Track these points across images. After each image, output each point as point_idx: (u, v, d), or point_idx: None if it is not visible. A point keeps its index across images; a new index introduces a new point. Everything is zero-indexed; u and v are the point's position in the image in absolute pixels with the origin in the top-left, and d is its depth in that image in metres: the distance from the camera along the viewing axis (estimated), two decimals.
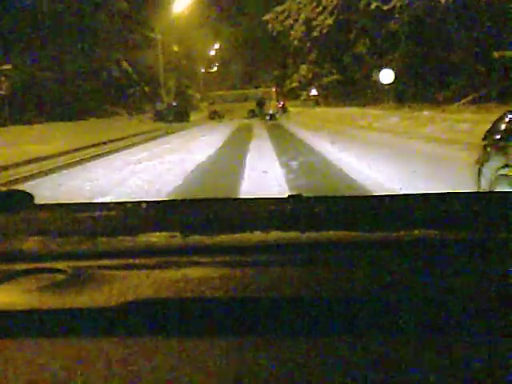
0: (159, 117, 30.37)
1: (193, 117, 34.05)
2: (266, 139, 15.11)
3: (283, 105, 36.67)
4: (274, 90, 35.60)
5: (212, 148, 12.58)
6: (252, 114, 32.42)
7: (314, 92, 35.85)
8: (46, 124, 20.39)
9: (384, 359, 0.55)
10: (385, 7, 19.49)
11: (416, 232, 0.82)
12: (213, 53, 51.36)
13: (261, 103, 31.56)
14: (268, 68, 48.84)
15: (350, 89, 29.73)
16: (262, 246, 0.82)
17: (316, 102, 35.71)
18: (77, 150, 13.67)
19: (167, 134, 20.11)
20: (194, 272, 0.74)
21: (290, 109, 35.22)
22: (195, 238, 0.85)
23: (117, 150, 13.51)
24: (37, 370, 0.56)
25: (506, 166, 2.98)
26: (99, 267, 0.77)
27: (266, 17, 24.92)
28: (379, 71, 20.76)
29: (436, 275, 0.71)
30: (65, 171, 9.52)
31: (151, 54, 31.41)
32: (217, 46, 50.33)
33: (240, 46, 48.62)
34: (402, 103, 21.69)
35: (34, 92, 23.43)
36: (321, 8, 22.65)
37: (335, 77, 31.41)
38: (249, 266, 0.76)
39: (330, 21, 22.71)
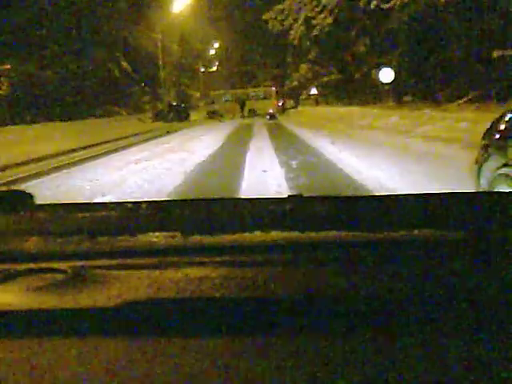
0: (159, 116, 30.44)
1: (193, 116, 34.08)
2: (265, 138, 15.12)
3: (283, 104, 36.70)
4: (273, 89, 35.67)
5: (212, 147, 12.59)
6: (252, 113, 32.70)
7: (313, 91, 35.86)
8: (45, 124, 20.39)
9: (383, 359, 0.55)
10: (385, 6, 19.48)
11: (416, 232, 0.82)
12: (213, 52, 51.39)
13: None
14: (268, 67, 48.83)
15: (350, 88, 29.74)
16: (262, 246, 0.82)
17: (316, 101, 35.71)
18: (77, 149, 13.68)
19: (167, 133, 20.12)
20: (194, 272, 0.74)
21: (292, 110, 35.43)
22: (195, 238, 0.85)
23: (116, 150, 13.51)
24: (37, 370, 0.56)
25: (506, 165, 2.97)
26: (99, 267, 0.77)
27: (266, 16, 24.92)
28: (379, 70, 20.75)
29: (435, 275, 0.71)
30: (65, 171, 9.52)
31: (151, 54, 31.42)
32: (217, 45, 50.36)
33: (240, 46, 48.61)
34: (402, 102, 21.69)
35: (33, 92, 23.43)
36: (320, 7, 22.65)
37: (335, 76, 31.41)
38: (249, 266, 0.76)
39: (329, 20, 22.71)
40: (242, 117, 32.21)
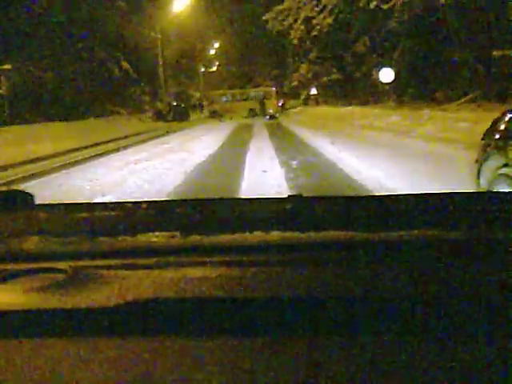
0: (159, 116, 30.45)
1: (192, 116, 34.10)
2: (265, 139, 15.12)
3: (283, 104, 36.69)
4: (273, 89, 35.67)
5: (212, 148, 12.59)
6: (252, 113, 32.66)
7: (314, 91, 35.88)
8: (45, 124, 20.37)
9: (383, 359, 0.55)
10: (384, 6, 19.47)
11: (416, 232, 0.82)
12: (213, 52, 51.36)
13: (262, 103, 32.61)
14: (268, 67, 48.82)
15: (350, 88, 29.74)
16: (262, 246, 0.82)
17: (316, 101, 35.73)
18: (77, 149, 13.68)
19: (167, 133, 20.12)
20: (194, 272, 0.74)
21: (292, 110, 35.42)
22: (195, 238, 0.85)
23: (117, 150, 13.51)
24: (37, 370, 0.56)
25: (506, 165, 2.98)
26: (99, 267, 0.77)
27: (266, 16, 24.93)
28: (379, 70, 20.75)
29: (435, 275, 0.71)
30: (65, 171, 9.53)
31: (151, 54, 31.42)
32: (217, 45, 50.33)
33: (240, 46, 48.59)
34: (402, 102, 21.68)
35: (34, 92, 23.42)
36: (320, 7, 22.64)
37: (335, 76, 31.40)
38: (249, 266, 0.76)
39: (329, 20, 22.70)
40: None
